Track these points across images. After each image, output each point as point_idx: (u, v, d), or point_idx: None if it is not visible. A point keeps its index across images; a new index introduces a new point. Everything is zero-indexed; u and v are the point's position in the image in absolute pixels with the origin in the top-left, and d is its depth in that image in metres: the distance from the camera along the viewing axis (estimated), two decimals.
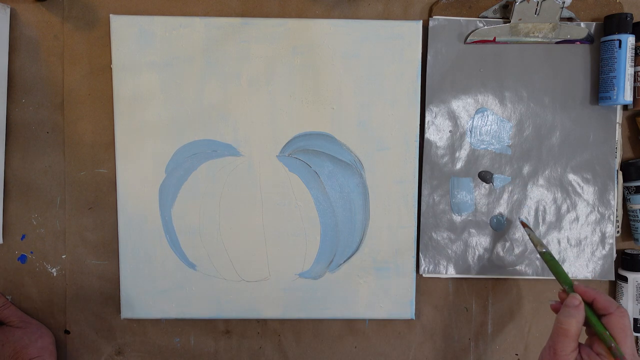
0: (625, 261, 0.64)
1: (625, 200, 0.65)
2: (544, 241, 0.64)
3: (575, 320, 0.48)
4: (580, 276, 0.64)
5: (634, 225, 0.64)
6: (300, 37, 0.61)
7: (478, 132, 0.63)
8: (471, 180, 0.64)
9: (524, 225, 0.61)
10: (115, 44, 0.60)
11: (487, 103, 0.63)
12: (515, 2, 0.60)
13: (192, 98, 0.61)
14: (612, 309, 0.48)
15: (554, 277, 0.64)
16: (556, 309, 0.52)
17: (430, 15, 0.63)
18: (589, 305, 0.51)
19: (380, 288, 0.64)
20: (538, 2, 0.60)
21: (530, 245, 0.64)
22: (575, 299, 0.49)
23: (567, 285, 0.53)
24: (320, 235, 0.63)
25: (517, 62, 0.63)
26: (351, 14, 0.63)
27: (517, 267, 0.64)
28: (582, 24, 0.62)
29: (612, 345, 0.47)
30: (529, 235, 0.59)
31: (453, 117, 0.63)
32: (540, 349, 0.66)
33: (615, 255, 0.64)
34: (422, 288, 0.66)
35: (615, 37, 0.60)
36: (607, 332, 0.48)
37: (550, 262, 0.56)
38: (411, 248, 0.64)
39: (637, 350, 0.64)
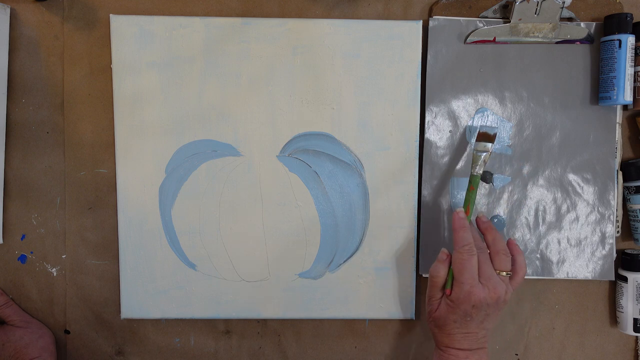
0: (625, 261, 0.64)
1: (625, 200, 0.65)
2: (543, 241, 0.64)
3: (442, 273, 0.57)
4: (580, 276, 0.64)
5: (634, 225, 0.64)
6: (300, 37, 0.61)
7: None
8: None
9: (484, 138, 0.60)
10: (115, 44, 0.60)
11: (487, 103, 0.63)
12: (515, 2, 0.60)
13: (192, 98, 0.61)
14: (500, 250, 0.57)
15: (553, 277, 0.64)
16: (453, 225, 0.58)
17: (430, 16, 0.63)
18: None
19: (380, 288, 0.64)
20: (538, 2, 0.60)
21: (531, 245, 0.64)
22: (444, 254, 0.57)
23: (465, 207, 0.59)
24: (320, 235, 0.63)
25: (517, 62, 0.63)
26: (351, 14, 0.63)
27: None
28: (582, 24, 0.62)
29: (448, 288, 0.56)
30: (474, 152, 0.60)
31: (453, 117, 0.63)
32: (540, 349, 0.67)
33: (615, 255, 0.64)
34: (422, 288, 0.66)
35: (615, 37, 0.60)
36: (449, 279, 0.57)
37: (470, 187, 0.59)
38: (411, 248, 0.64)
39: None
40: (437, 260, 0.57)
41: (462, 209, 0.58)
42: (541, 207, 0.64)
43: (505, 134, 0.63)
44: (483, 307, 0.54)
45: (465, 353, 0.55)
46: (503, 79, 0.63)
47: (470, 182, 0.59)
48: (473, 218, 0.60)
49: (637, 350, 0.67)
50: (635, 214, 0.64)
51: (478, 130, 0.61)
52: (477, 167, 0.59)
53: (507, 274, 0.56)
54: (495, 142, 0.60)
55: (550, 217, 0.64)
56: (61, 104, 0.63)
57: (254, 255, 0.63)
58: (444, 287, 0.57)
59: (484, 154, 0.59)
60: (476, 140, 0.60)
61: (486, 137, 0.60)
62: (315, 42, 0.61)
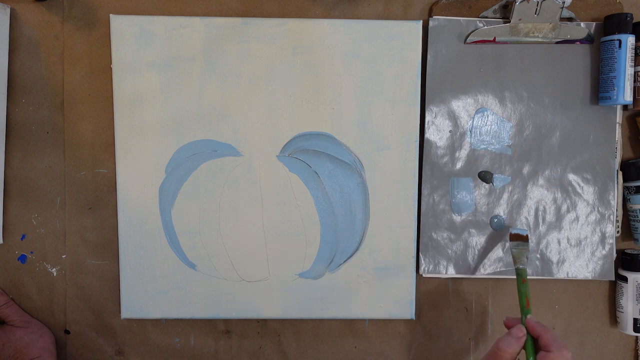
0: (625, 261, 0.64)
1: (625, 200, 0.65)
2: (543, 241, 0.64)
3: (512, 349, 0.50)
4: (580, 276, 0.64)
5: (634, 225, 0.64)
6: (300, 37, 0.61)
7: (478, 132, 0.63)
8: (471, 180, 0.64)
9: (517, 238, 0.62)
10: (115, 44, 0.60)
11: (487, 103, 0.63)
12: (515, 2, 0.60)
13: (192, 98, 0.61)
14: (553, 347, 0.50)
15: (553, 277, 0.64)
16: (507, 325, 0.55)
17: (430, 15, 0.63)
18: (533, 339, 0.52)
19: (380, 288, 0.64)
20: (538, 2, 0.60)
21: (531, 245, 0.64)
22: (520, 332, 0.51)
23: (522, 311, 0.54)
24: (320, 235, 0.63)
25: (517, 62, 0.63)
26: (351, 14, 0.63)
27: None
28: (582, 24, 0.62)
29: None
30: (513, 251, 0.60)
31: (453, 117, 0.63)
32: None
33: (615, 255, 0.64)
34: (422, 288, 0.66)
35: (615, 37, 0.60)
36: None
37: (521, 279, 0.57)
38: (411, 248, 0.64)
39: None
40: (511, 335, 0.51)
41: (530, 315, 0.53)
42: (541, 207, 0.64)
43: (505, 134, 0.63)
44: None
45: None
46: (503, 79, 0.63)
47: (520, 275, 0.57)
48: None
49: (637, 350, 0.67)
50: (635, 214, 0.64)
51: (509, 231, 0.63)
52: (520, 263, 0.59)
53: None
54: (530, 241, 0.63)
55: (550, 217, 0.64)
56: (61, 104, 0.63)
57: (254, 255, 0.63)
58: None
59: (525, 252, 0.60)
60: (510, 240, 0.62)
61: (519, 237, 0.62)
62: (315, 42, 0.61)
